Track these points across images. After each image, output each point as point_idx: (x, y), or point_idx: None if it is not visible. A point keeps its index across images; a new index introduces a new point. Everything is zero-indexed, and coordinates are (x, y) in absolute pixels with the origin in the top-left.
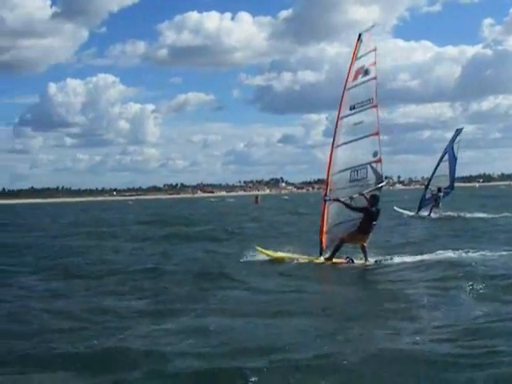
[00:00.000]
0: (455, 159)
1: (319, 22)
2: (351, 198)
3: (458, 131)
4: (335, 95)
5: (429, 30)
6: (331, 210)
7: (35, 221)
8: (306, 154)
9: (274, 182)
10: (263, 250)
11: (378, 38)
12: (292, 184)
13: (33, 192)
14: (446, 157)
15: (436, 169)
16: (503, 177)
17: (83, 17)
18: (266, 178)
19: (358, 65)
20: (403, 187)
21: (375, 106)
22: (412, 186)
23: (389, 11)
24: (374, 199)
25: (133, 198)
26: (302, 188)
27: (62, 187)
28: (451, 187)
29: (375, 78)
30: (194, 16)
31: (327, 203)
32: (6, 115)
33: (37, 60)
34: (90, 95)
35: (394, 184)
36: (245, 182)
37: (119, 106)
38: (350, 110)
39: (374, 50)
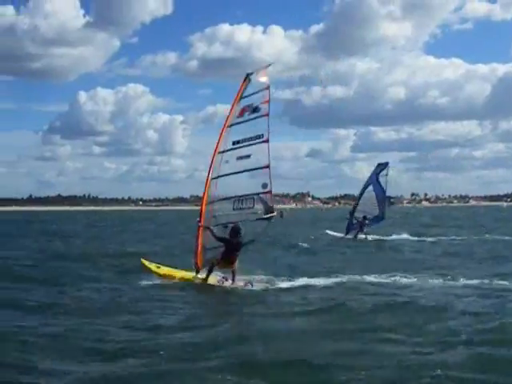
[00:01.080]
0: (384, 191)
1: (350, 37)
2: (226, 227)
3: (383, 165)
4: (364, 111)
5: (460, 48)
6: (209, 234)
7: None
8: (333, 168)
9: (301, 196)
10: (147, 264)
11: (410, 53)
12: (318, 199)
13: (60, 199)
14: (371, 187)
15: (360, 198)
16: None
17: (115, 27)
18: (293, 192)
19: (244, 103)
20: (430, 205)
21: (266, 142)
22: (439, 204)
23: (420, 28)
24: (233, 231)
25: (159, 208)
26: (328, 203)
27: (89, 195)
28: (382, 217)
29: (267, 114)
30: (225, 28)
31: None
32: (36, 122)
33: (68, 68)
34: (119, 104)
35: (420, 201)
36: None
37: (148, 116)
38: (233, 144)
39: (268, 88)
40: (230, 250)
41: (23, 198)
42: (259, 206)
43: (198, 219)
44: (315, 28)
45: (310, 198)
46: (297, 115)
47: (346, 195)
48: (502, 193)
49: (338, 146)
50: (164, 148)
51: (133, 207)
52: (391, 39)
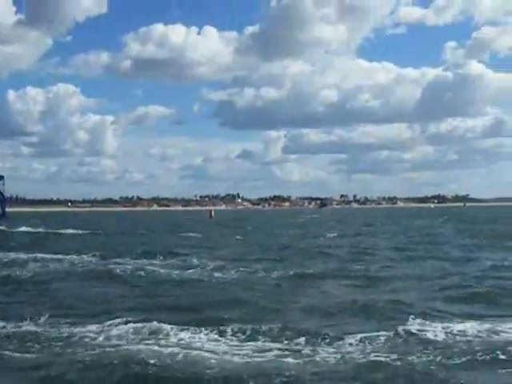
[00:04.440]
0: (3, 196)
1: (284, 39)
2: None
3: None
4: (296, 113)
5: (392, 52)
6: None
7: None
8: (263, 170)
9: (231, 198)
10: None
11: (343, 57)
12: (248, 200)
13: None
14: None
15: None
16: (457, 198)
17: (48, 25)
18: (223, 193)
19: None
20: (359, 206)
21: None
22: (368, 205)
23: (354, 31)
24: None
25: (86, 209)
26: (258, 204)
27: (17, 196)
28: (3, 215)
29: None
30: (159, 28)
31: None
32: None
33: None
34: (49, 104)
35: (349, 202)
36: (201, 197)
37: (78, 117)
38: None
39: None
40: None
41: None
42: None
43: None
44: (250, 29)
45: (239, 200)
46: (229, 116)
47: (275, 196)
48: (429, 194)
49: (269, 147)
50: (94, 149)
51: (62, 208)
52: (325, 42)
